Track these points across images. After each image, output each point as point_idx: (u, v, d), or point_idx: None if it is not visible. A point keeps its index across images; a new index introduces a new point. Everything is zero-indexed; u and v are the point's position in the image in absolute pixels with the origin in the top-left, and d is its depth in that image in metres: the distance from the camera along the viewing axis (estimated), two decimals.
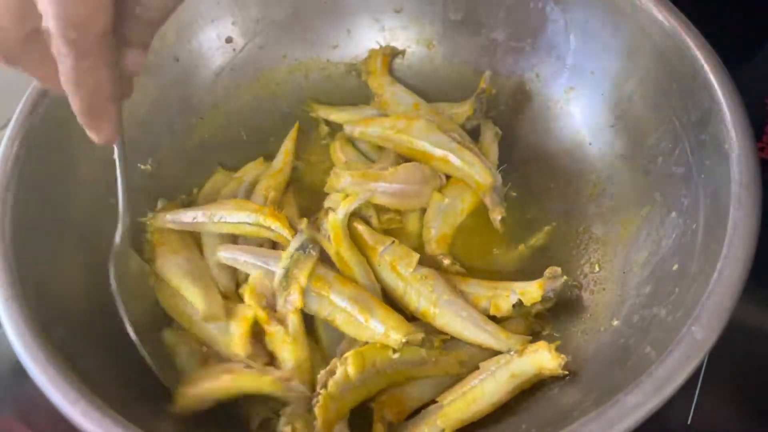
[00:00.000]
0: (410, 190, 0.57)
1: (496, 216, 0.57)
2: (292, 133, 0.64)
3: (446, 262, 0.54)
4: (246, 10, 0.63)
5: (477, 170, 0.57)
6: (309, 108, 0.66)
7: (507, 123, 0.63)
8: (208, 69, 0.63)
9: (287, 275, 0.49)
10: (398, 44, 0.67)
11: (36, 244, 0.47)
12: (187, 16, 0.60)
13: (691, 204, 0.46)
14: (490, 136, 0.62)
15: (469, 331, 0.49)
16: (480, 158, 0.58)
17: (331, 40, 0.67)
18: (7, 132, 0.48)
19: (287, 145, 0.63)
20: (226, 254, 0.53)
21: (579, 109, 0.60)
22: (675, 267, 0.45)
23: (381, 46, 0.66)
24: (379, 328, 0.47)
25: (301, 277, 0.49)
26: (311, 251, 0.50)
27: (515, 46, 0.62)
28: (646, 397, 0.35)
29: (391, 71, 0.66)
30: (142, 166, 0.59)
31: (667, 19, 0.49)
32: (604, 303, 0.50)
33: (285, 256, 0.50)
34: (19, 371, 0.40)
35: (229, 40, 0.64)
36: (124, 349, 0.48)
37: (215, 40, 0.63)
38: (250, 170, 0.61)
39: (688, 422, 0.52)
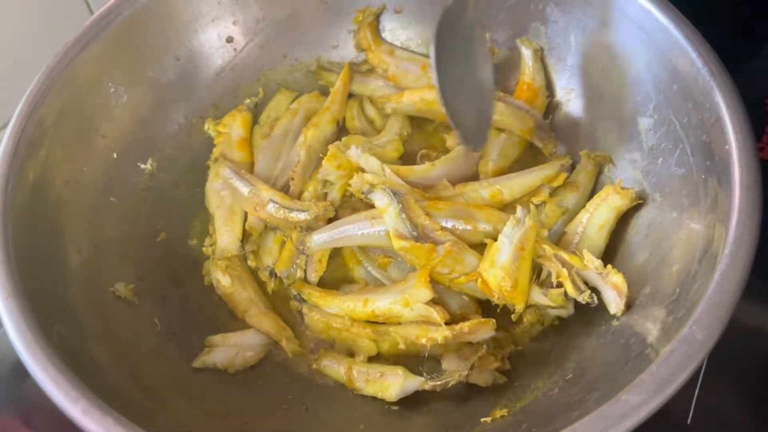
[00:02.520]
0: (448, 179, 0.58)
1: (552, 149, 0.60)
2: (343, 75, 0.65)
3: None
4: (247, 10, 0.63)
5: (518, 115, 0.60)
6: (317, 75, 0.67)
7: None
8: (209, 68, 0.63)
9: (407, 217, 0.51)
10: (398, 44, 0.67)
11: (36, 243, 0.47)
12: (187, 16, 0.60)
13: (692, 204, 0.47)
14: (529, 55, 0.61)
15: (530, 177, 0.56)
16: (516, 103, 0.60)
17: (331, 40, 0.67)
18: (7, 132, 0.48)
19: (338, 85, 0.64)
20: (321, 237, 0.55)
21: (579, 110, 0.60)
22: (675, 267, 0.45)
23: (362, 12, 0.65)
24: (488, 227, 0.52)
25: (418, 212, 0.52)
26: (401, 193, 0.52)
27: (516, 47, 0.62)
28: (647, 396, 0.35)
29: (379, 33, 0.66)
30: (143, 166, 0.59)
31: (667, 20, 0.49)
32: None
33: (388, 210, 0.52)
34: (19, 371, 0.40)
35: (229, 39, 0.64)
36: (125, 347, 0.49)
37: (216, 40, 0.63)
38: (304, 103, 0.65)
39: (688, 422, 0.52)
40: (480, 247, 0.52)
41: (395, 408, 0.51)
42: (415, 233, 0.51)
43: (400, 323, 0.52)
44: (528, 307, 0.50)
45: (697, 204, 0.46)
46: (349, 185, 0.55)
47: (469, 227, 0.53)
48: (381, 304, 0.52)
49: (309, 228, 0.56)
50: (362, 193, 0.54)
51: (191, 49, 0.62)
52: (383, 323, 0.53)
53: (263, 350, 0.55)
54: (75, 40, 0.53)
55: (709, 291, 0.38)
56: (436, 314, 0.50)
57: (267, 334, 0.55)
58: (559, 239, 0.54)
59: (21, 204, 0.47)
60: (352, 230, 0.54)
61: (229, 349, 0.53)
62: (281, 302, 0.58)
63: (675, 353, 0.37)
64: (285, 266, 0.57)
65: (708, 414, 0.52)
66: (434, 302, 0.51)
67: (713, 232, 0.42)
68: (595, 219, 0.53)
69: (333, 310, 0.54)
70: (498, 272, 0.49)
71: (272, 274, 0.58)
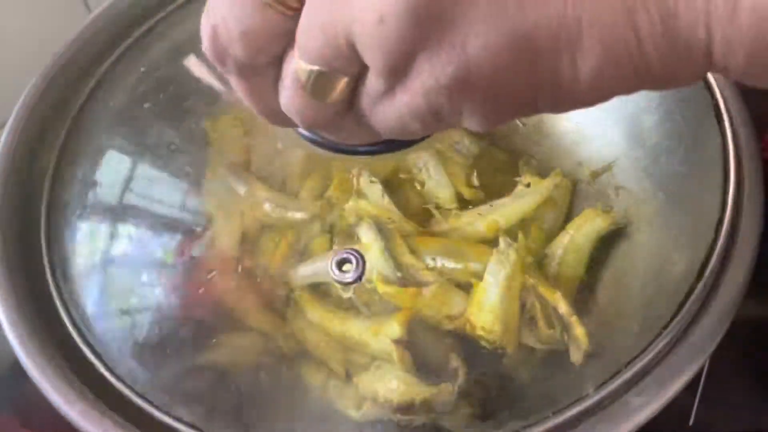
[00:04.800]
0: None
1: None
2: None
3: None
4: None
5: None
6: None
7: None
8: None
9: (391, 256, 0.49)
10: None
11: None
12: (187, 16, 0.60)
13: (694, 204, 0.46)
14: None
15: (525, 202, 0.52)
16: None
17: None
18: (6, 131, 0.48)
19: None
20: (306, 271, 0.54)
21: (580, 110, 0.60)
22: (676, 268, 0.45)
23: None
24: (478, 266, 0.49)
25: (403, 250, 0.50)
26: (386, 228, 0.51)
27: None
28: (648, 398, 0.35)
29: None
30: None
31: None
32: None
33: (372, 247, 0.50)
34: (18, 371, 0.40)
35: None
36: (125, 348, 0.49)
37: None
38: None
39: (690, 423, 0.52)
40: (470, 285, 0.49)
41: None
42: (399, 274, 0.49)
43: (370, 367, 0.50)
44: None
45: (700, 203, 0.46)
46: (343, 209, 0.54)
47: (459, 266, 0.50)
48: (354, 326, 0.50)
49: (306, 227, 0.56)
50: (350, 224, 0.53)
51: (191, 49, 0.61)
52: (353, 350, 0.51)
53: (265, 350, 0.55)
54: (74, 40, 0.53)
55: (710, 292, 0.38)
56: (396, 355, 0.47)
57: (264, 333, 0.55)
58: (539, 261, 0.52)
59: (19, 203, 0.47)
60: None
61: (233, 348, 0.53)
62: (277, 301, 0.58)
63: (677, 354, 0.37)
64: (278, 265, 0.57)
65: (710, 416, 0.52)
66: (407, 348, 0.48)
67: (714, 232, 0.42)
68: (576, 241, 0.51)
69: (314, 319, 0.53)
70: (487, 316, 0.46)
71: (267, 272, 0.58)
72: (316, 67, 0.21)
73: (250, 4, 0.21)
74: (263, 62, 0.23)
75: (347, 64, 0.21)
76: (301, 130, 0.29)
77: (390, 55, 0.20)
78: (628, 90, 0.22)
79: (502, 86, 0.20)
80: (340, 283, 0.48)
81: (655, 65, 0.20)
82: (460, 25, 0.19)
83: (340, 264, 0.48)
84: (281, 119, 0.26)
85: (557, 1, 0.19)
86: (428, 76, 0.20)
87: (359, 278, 0.48)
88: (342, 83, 0.22)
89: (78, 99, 0.54)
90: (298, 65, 0.22)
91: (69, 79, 0.53)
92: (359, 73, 0.22)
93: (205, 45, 0.24)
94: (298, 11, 0.21)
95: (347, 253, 0.48)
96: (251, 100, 0.26)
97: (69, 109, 0.53)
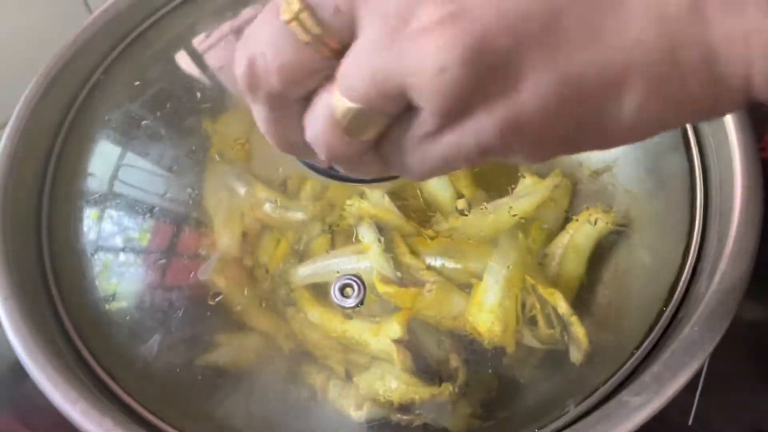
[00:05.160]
0: None
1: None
2: None
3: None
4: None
5: None
6: None
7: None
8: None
9: (394, 258, 0.49)
10: None
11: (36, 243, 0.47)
12: (187, 17, 0.60)
13: (694, 204, 0.46)
14: None
15: (526, 202, 0.52)
16: None
17: None
18: (6, 132, 0.48)
19: None
20: (306, 271, 0.53)
21: None
22: (674, 267, 0.45)
23: None
24: (478, 266, 0.49)
25: (403, 250, 0.50)
26: (387, 228, 0.50)
27: None
28: (648, 397, 0.35)
29: None
30: None
31: None
32: None
33: (373, 247, 0.50)
34: (18, 371, 0.40)
35: None
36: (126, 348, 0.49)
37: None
38: None
39: (689, 423, 0.52)
40: (469, 286, 0.49)
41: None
42: (399, 273, 0.49)
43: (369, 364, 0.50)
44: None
45: (701, 203, 0.46)
46: (343, 209, 0.54)
47: (459, 266, 0.50)
48: (354, 326, 0.50)
49: (306, 227, 0.57)
50: (350, 225, 0.52)
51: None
52: (353, 350, 0.51)
53: (267, 351, 0.55)
54: (74, 40, 0.53)
55: (711, 291, 0.38)
56: (396, 355, 0.47)
57: (264, 333, 0.55)
58: (539, 261, 0.52)
59: (20, 203, 0.47)
60: (338, 265, 0.52)
61: (233, 349, 0.54)
62: (277, 301, 0.58)
63: (676, 353, 0.37)
64: (278, 265, 0.57)
65: (710, 415, 0.52)
66: (407, 347, 0.48)
67: (714, 232, 0.42)
68: (576, 241, 0.51)
69: (314, 319, 0.53)
70: (487, 316, 0.46)
71: (267, 272, 0.58)
72: (356, 105, 0.22)
73: (291, 41, 0.22)
74: (294, 96, 0.24)
75: (389, 105, 0.22)
76: (305, 160, 0.29)
77: (448, 100, 0.21)
78: (671, 125, 0.23)
79: (550, 128, 0.21)
80: (341, 307, 0.48)
81: (698, 99, 0.21)
82: (514, 74, 0.20)
83: (342, 289, 0.49)
84: (295, 150, 0.27)
85: (604, 46, 0.19)
86: (482, 118, 0.21)
87: (360, 303, 0.48)
88: (379, 122, 0.23)
89: (79, 99, 0.54)
90: (337, 101, 0.22)
91: (70, 80, 0.53)
92: (397, 114, 0.23)
93: (240, 72, 0.25)
94: (338, 52, 0.22)
95: (349, 279, 0.49)
96: (272, 129, 0.27)
97: (70, 109, 0.53)
